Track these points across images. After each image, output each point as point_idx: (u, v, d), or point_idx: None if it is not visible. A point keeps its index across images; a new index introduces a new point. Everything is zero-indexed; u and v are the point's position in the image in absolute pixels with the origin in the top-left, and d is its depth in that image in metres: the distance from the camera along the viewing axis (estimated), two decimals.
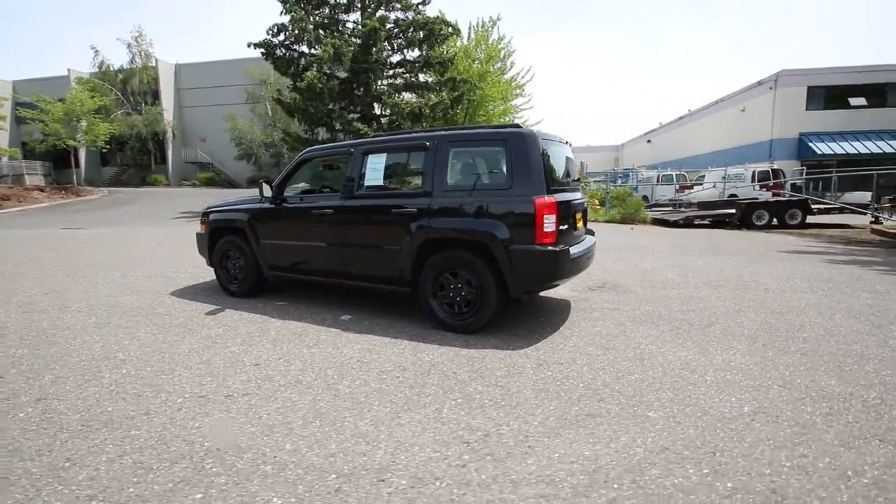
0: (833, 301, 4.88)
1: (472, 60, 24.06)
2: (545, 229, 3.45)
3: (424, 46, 19.17)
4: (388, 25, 18.16)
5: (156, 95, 34.35)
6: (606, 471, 1.99)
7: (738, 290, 5.36)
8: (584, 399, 2.66)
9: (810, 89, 22.93)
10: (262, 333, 3.85)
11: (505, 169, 3.62)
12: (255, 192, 4.87)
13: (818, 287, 5.55)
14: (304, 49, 19.00)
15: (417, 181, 4.01)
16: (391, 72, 19.47)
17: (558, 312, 4.45)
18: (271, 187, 4.59)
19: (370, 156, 4.19)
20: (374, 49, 18.09)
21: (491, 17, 24.28)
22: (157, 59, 34.33)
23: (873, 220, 13.64)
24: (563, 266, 3.51)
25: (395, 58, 19.43)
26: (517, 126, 3.78)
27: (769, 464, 2.05)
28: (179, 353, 3.40)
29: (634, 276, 6.15)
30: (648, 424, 2.38)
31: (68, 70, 33.35)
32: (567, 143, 4.26)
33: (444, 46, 20.71)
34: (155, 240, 10.62)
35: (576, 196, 4.13)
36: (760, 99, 24.70)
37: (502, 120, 24.97)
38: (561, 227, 3.58)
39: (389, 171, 4.19)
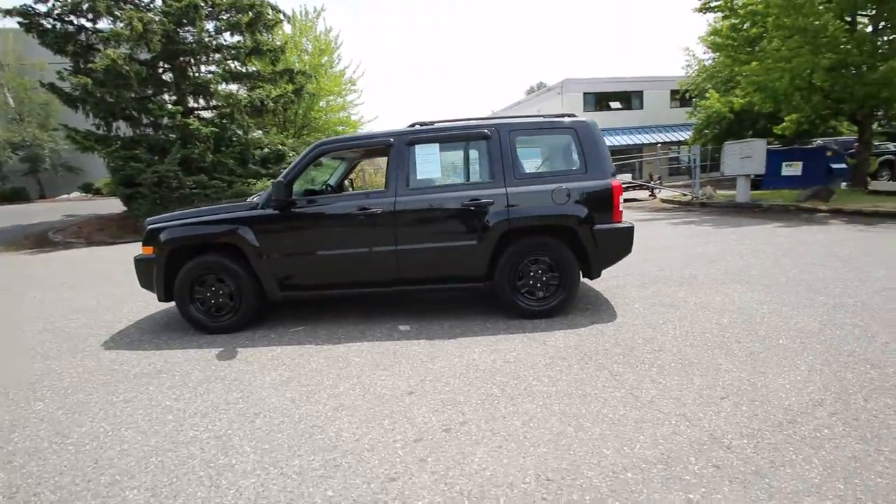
0: (741, 248, 6.50)
1: (300, 52, 22.66)
2: (619, 208, 3.78)
3: (250, 31, 17.12)
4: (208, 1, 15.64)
5: None
6: (842, 386, 2.47)
7: (683, 250, 6.67)
8: (742, 342, 3.12)
9: (585, 94, 28.77)
10: (343, 362, 3.19)
11: (576, 155, 3.79)
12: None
13: (713, 239, 7.31)
14: (86, 23, 14.92)
15: (483, 171, 3.84)
16: (214, 57, 16.83)
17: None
18: (284, 187, 3.71)
19: (418, 147, 3.81)
20: (193, 29, 15.42)
21: (315, 8, 23.09)
22: None
23: (650, 194, 18.18)
24: (632, 240, 3.91)
25: (219, 41, 16.86)
26: (572, 115, 3.98)
27: None
28: (282, 408, 2.59)
29: None
30: (820, 346, 2.96)
31: None
32: None
33: (272, 34, 18.90)
34: None
35: None
36: (551, 102, 29.81)
37: (340, 115, 24.23)
38: None
39: (446, 163, 3.89)
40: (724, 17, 14.82)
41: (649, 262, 5.87)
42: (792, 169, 14.92)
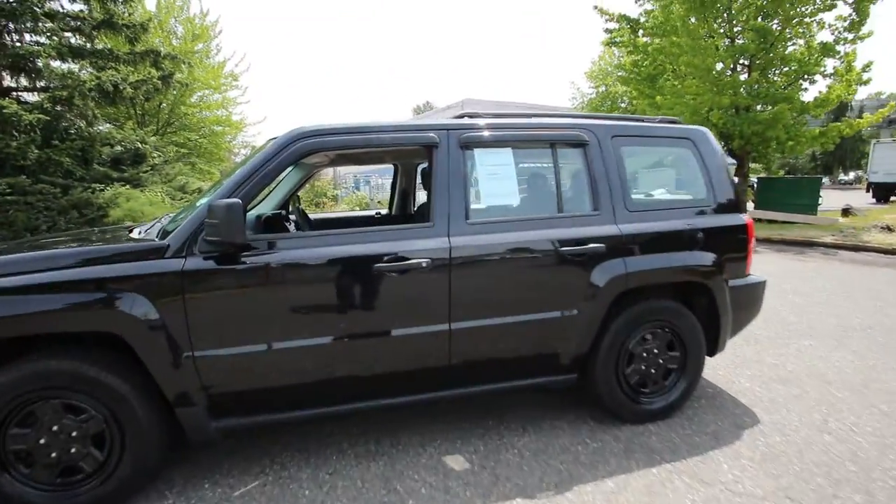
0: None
1: (167, 34, 18.96)
2: (752, 256, 2.68)
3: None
4: None
5: None
6: None
7: None
8: None
9: None
10: None
11: (700, 177, 2.59)
12: None
13: None
14: None
15: (579, 197, 2.40)
16: (46, 26, 12.82)
17: None
18: (240, 213, 1.81)
19: (479, 153, 2.25)
20: None
21: None
22: None
23: None
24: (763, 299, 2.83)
25: (52, 5, 12.92)
26: (676, 120, 2.79)
27: None
28: None
29: None
30: None
31: None
32: None
33: (129, 7, 15.12)
34: None
35: None
36: None
37: (218, 113, 20.70)
38: None
39: (523, 181, 2.37)
40: (629, 54, 15.65)
41: None
42: None
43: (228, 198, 1.85)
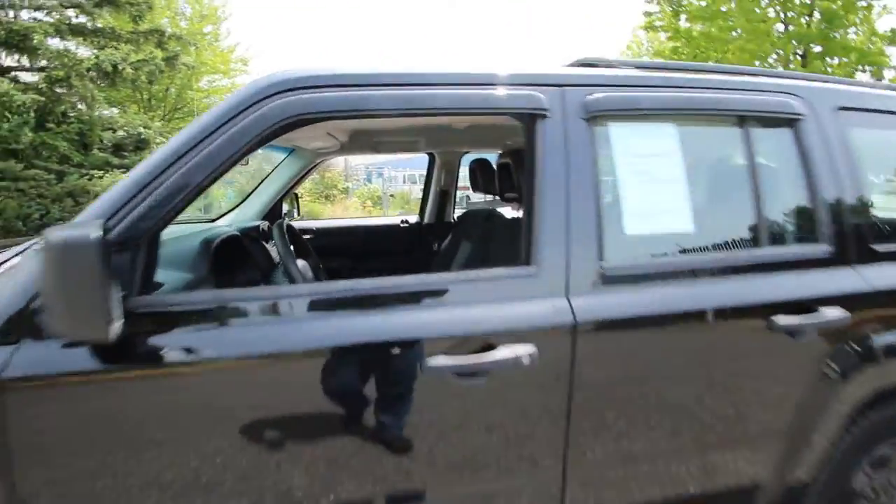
0: None
1: (174, 14, 18.14)
2: None
3: None
4: None
5: None
6: None
7: None
8: None
9: None
10: None
11: None
12: None
13: None
14: None
15: (788, 216, 1.34)
16: (43, 2, 12.02)
17: None
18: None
19: (616, 129, 1.20)
20: None
21: None
22: None
23: None
24: None
25: None
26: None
27: None
28: None
29: None
30: None
31: None
32: None
33: None
34: None
35: None
36: None
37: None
38: None
39: (694, 184, 1.31)
40: (669, 39, 14.38)
41: None
42: None
43: (96, 220, 0.81)
